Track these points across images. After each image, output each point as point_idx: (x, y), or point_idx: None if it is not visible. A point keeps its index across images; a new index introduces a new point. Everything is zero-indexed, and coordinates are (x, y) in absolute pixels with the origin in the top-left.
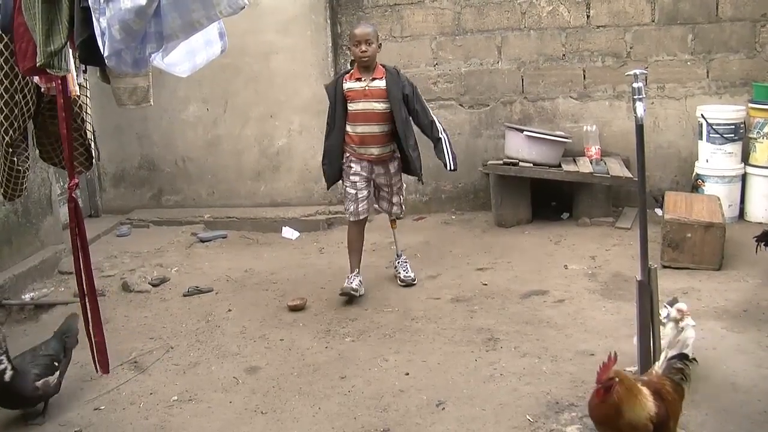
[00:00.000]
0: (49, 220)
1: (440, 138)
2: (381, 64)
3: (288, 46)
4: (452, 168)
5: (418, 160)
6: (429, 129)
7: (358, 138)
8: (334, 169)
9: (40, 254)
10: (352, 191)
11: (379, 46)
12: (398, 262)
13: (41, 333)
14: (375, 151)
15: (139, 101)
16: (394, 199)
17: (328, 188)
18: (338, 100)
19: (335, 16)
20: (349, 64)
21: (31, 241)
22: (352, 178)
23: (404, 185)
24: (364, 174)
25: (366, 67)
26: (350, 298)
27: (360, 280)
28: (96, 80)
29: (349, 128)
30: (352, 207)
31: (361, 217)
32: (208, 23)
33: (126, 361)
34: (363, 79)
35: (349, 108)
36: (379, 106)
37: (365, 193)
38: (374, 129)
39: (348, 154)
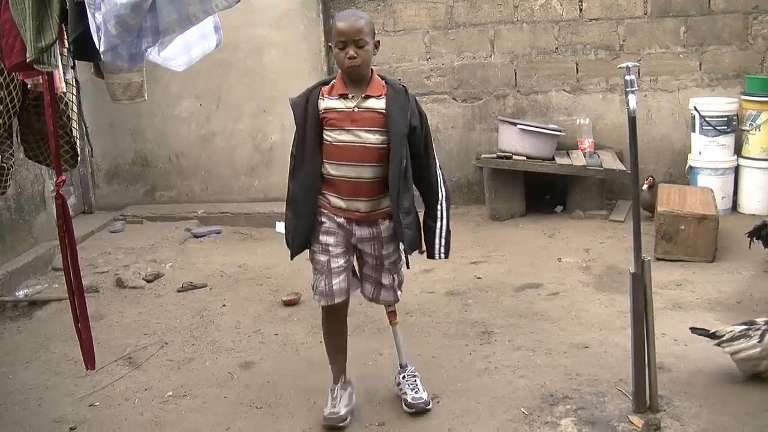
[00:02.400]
0: (43, 216)
1: (438, 206)
2: (379, 75)
3: (280, 41)
4: (441, 256)
5: (411, 229)
6: (428, 186)
7: (338, 185)
8: (303, 228)
9: (34, 251)
10: (323, 258)
11: (377, 45)
12: (403, 377)
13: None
14: (362, 206)
15: (133, 96)
16: (384, 280)
17: (291, 257)
18: (309, 123)
19: (328, 11)
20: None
21: (24, 237)
22: (322, 238)
23: (402, 261)
24: (341, 234)
25: (356, 80)
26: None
27: (350, 395)
28: (89, 76)
29: (325, 168)
30: (322, 283)
31: (338, 300)
32: (204, 17)
33: (120, 357)
34: (351, 95)
35: (326, 138)
36: (373, 138)
37: (342, 262)
38: (364, 173)
39: (319, 205)
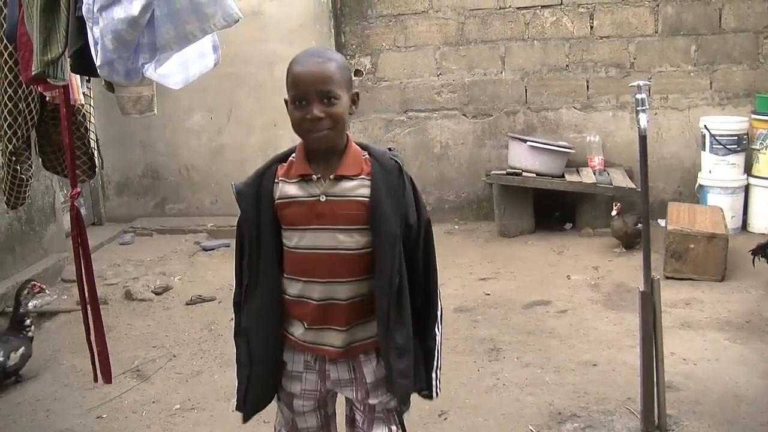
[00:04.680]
0: (53, 227)
1: (436, 329)
2: (360, 144)
3: (292, 56)
4: (437, 393)
5: (407, 377)
6: (424, 303)
7: (299, 309)
8: (264, 379)
9: (44, 262)
10: (286, 412)
11: (355, 98)
12: None
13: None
14: (337, 339)
15: (143, 110)
16: None
17: (244, 420)
18: (264, 224)
19: (339, 26)
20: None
21: (34, 248)
22: (285, 384)
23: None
24: (312, 378)
25: (322, 151)
26: None
27: None
28: (101, 89)
29: (283, 286)
30: None
31: None
32: (202, 35)
33: (128, 369)
34: (315, 177)
35: (285, 242)
36: (349, 241)
37: (312, 423)
38: (338, 293)
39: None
